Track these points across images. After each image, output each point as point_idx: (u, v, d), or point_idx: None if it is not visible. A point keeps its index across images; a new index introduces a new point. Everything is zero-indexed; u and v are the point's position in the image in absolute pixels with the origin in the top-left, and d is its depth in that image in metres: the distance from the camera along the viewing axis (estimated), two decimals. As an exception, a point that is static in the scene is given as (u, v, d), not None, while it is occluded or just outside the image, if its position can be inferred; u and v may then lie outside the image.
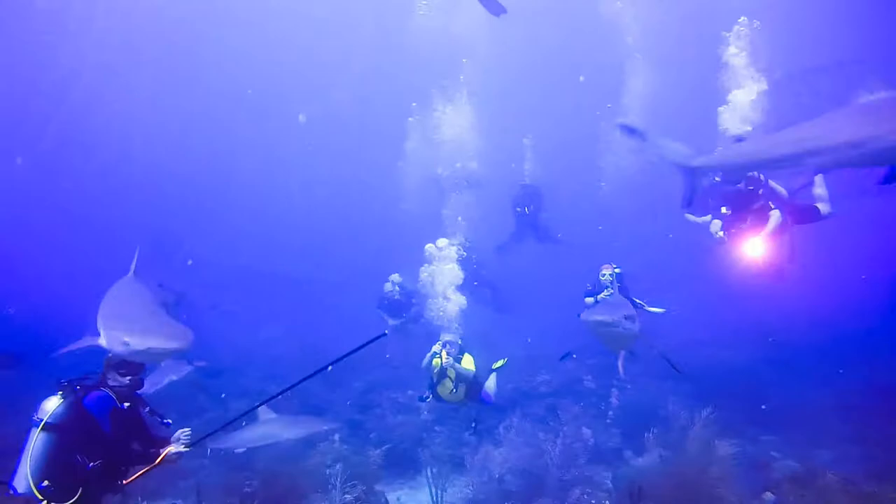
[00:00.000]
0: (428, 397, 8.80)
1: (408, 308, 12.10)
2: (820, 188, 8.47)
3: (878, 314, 13.95)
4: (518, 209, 14.96)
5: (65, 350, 5.54)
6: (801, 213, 8.51)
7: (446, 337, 8.64)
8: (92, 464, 4.44)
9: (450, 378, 8.50)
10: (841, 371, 11.46)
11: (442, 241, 11.53)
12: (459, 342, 8.69)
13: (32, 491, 4.24)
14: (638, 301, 9.30)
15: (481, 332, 11.35)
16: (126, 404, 4.82)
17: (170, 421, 5.19)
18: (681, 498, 6.97)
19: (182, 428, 4.99)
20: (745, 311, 13.18)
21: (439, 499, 8.32)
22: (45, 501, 4.26)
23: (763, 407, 10.28)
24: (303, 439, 8.68)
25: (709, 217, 10.68)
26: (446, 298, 10.62)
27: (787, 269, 8.74)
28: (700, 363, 12.11)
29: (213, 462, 8.82)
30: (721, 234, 8.71)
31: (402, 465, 9.61)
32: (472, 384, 8.53)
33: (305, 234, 26.84)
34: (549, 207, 15.31)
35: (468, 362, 8.53)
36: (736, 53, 12.32)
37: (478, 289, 13.39)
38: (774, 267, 8.65)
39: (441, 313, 10.62)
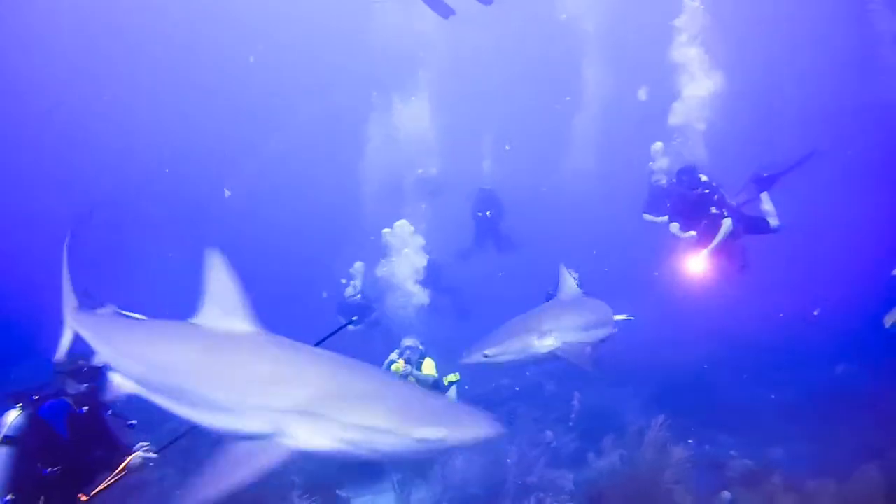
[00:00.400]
0: None
1: (368, 312, 11.95)
2: (767, 204, 8.86)
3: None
4: (479, 213, 15.00)
5: None
6: (751, 223, 8.83)
7: (407, 342, 8.58)
8: (48, 469, 4.45)
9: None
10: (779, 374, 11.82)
11: (401, 223, 11.44)
12: (421, 347, 8.66)
13: None
14: None
15: (444, 338, 11.42)
16: (84, 409, 4.83)
17: (134, 422, 5.23)
18: (639, 500, 7.10)
19: (142, 441, 4.96)
20: (702, 313, 13.47)
21: (404, 504, 8.34)
22: None
23: (718, 407, 10.55)
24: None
25: (666, 217, 11.02)
26: (406, 293, 10.62)
27: (739, 275, 9.04)
28: (658, 364, 12.43)
29: (176, 471, 8.63)
30: (688, 233, 8.91)
31: (365, 472, 9.58)
32: (433, 390, 8.53)
33: (263, 235, 26.31)
34: (508, 212, 15.38)
35: (429, 367, 8.52)
36: (685, 42, 12.66)
37: (438, 296, 13.38)
38: (725, 273, 8.95)
39: (402, 310, 10.62)
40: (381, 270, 12.19)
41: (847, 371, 11.74)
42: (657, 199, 11.48)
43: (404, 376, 8.25)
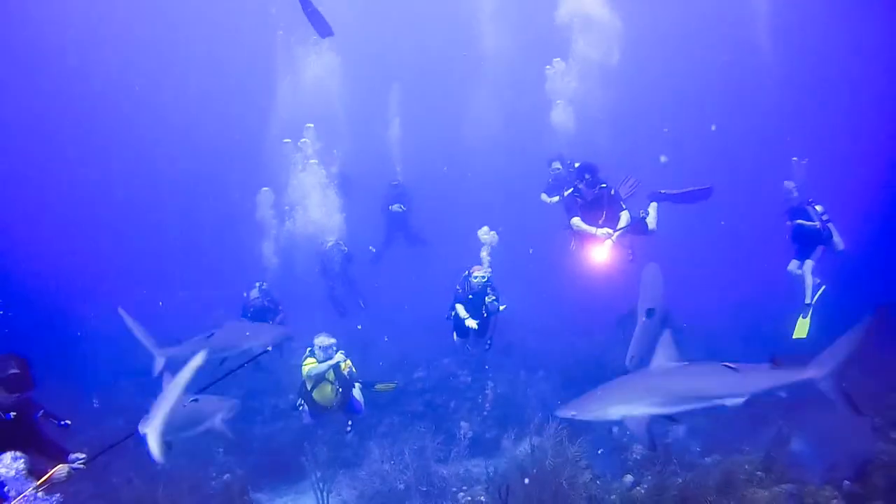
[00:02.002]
0: (301, 405, 8.84)
1: (274, 314, 11.71)
2: (651, 210, 9.59)
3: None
4: (392, 208, 15.07)
5: None
6: (634, 223, 9.51)
7: (324, 341, 8.48)
8: None
9: (329, 381, 8.58)
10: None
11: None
12: (333, 342, 8.60)
13: None
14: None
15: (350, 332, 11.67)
16: (12, 414, 4.79)
17: (68, 422, 5.26)
18: (548, 488, 7.52)
19: (79, 451, 5.17)
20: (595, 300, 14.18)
21: (325, 502, 8.46)
22: None
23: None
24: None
25: (557, 198, 11.70)
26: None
27: (628, 265, 9.70)
28: (561, 349, 13.00)
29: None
30: (603, 230, 9.38)
31: (286, 471, 9.65)
32: (345, 389, 8.68)
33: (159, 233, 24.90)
34: (417, 206, 15.53)
35: (342, 358, 8.58)
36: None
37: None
38: (618, 262, 9.58)
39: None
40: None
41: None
42: (555, 184, 12.54)
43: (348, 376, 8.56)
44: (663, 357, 6.83)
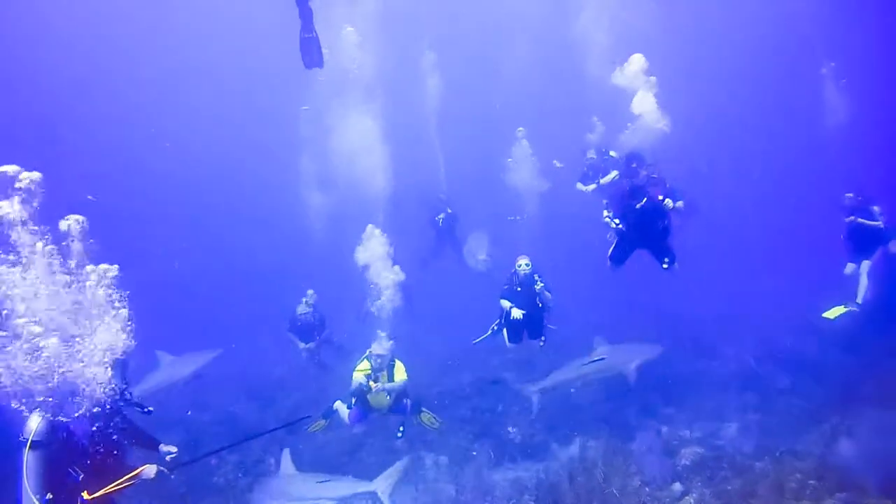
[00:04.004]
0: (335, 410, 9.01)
1: (320, 331, 11.73)
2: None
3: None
4: (438, 218, 14.85)
5: None
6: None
7: (376, 350, 8.44)
8: (81, 475, 4.65)
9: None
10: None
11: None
12: (390, 348, 8.54)
13: None
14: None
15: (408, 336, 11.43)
16: (105, 406, 4.96)
17: (151, 409, 5.39)
18: (597, 496, 7.54)
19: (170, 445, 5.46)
20: (640, 295, 13.90)
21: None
22: None
23: (670, 384, 11.07)
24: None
25: (594, 186, 11.47)
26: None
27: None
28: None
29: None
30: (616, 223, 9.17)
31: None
32: (399, 395, 8.76)
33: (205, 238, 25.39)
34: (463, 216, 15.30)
35: (400, 371, 8.60)
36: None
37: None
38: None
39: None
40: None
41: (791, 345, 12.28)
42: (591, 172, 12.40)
43: (377, 392, 8.42)
44: None
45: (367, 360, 8.59)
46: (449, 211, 14.81)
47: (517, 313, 9.55)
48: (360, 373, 8.53)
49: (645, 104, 9.67)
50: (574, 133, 13.95)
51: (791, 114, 21.97)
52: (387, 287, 11.14)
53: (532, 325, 9.86)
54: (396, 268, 10.38)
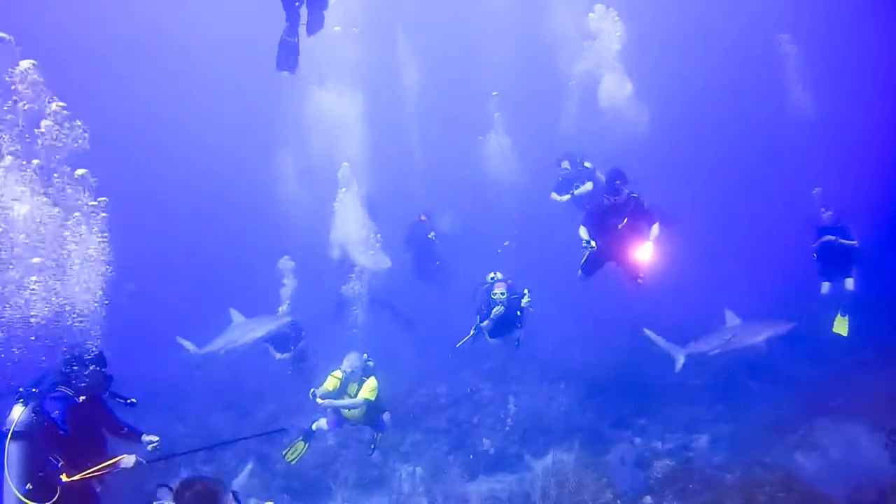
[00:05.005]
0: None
1: (296, 342, 11.40)
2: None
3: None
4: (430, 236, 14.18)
5: None
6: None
7: (345, 365, 8.20)
8: (59, 463, 4.62)
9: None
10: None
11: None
12: (367, 361, 8.50)
13: (19, 497, 4.51)
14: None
15: (387, 350, 11.37)
16: (82, 398, 4.97)
17: (134, 401, 5.39)
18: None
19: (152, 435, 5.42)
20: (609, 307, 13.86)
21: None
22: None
23: (644, 396, 11.12)
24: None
25: (567, 197, 11.48)
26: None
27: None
28: (588, 358, 12.83)
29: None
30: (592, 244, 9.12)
31: (313, 493, 9.75)
32: (372, 409, 8.66)
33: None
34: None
35: (369, 389, 8.46)
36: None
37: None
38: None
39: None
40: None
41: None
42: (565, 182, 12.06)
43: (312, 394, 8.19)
44: None
45: (341, 370, 8.54)
46: (431, 235, 14.55)
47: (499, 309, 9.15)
48: (332, 378, 8.46)
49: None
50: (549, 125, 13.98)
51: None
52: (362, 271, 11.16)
53: (510, 325, 9.48)
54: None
